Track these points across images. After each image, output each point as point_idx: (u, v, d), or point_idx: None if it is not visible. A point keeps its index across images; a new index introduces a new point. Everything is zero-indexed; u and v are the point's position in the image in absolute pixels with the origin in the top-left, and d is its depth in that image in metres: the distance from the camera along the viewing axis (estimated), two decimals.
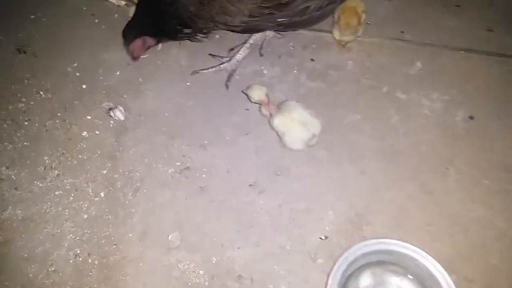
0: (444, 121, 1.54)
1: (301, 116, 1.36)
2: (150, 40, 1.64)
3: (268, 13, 1.36)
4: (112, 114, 1.54)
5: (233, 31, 1.51)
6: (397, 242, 1.11)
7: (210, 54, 1.74)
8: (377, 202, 1.33)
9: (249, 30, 1.51)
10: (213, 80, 1.68)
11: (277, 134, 1.44)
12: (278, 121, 1.38)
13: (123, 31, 1.58)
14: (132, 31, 1.60)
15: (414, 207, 1.32)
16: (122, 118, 1.54)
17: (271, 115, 1.43)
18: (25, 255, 1.29)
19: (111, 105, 1.58)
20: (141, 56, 1.69)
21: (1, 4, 1.91)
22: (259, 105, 1.48)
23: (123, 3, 1.81)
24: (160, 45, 1.69)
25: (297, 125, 1.35)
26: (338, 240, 1.26)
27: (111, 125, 1.55)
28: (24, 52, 1.78)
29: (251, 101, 1.46)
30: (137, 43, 1.62)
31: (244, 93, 1.47)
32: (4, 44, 1.79)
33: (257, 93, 1.42)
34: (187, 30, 1.56)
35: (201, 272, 1.26)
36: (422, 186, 1.37)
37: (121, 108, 1.56)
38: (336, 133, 1.52)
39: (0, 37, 1.82)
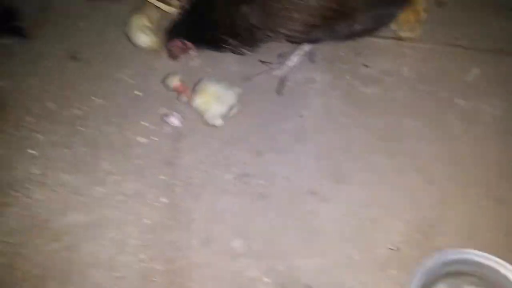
0: (507, 128, 1.53)
1: (215, 90, 1.50)
2: (189, 45, 1.67)
3: (332, 23, 1.38)
4: (168, 120, 1.58)
5: (290, 41, 1.53)
6: (478, 252, 1.10)
7: (260, 61, 1.76)
8: (447, 212, 1.33)
9: (309, 40, 1.53)
10: (264, 86, 1.70)
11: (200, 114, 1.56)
12: (198, 102, 1.50)
13: (167, 27, 1.65)
14: (173, 31, 1.65)
15: (486, 217, 1.32)
16: (178, 124, 1.57)
17: (189, 99, 1.53)
18: (90, 260, 1.31)
19: (167, 111, 1.61)
20: (179, 57, 1.74)
21: (52, 12, 1.98)
22: (178, 93, 1.58)
23: (174, 9, 1.85)
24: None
25: (213, 101, 1.48)
26: (410, 251, 1.26)
27: (167, 132, 1.58)
28: (76, 59, 1.83)
29: (169, 90, 1.57)
30: (175, 44, 1.66)
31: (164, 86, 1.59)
32: (56, 52, 1.85)
33: (170, 80, 1.49)
34: (233, 42, 1.57)
35: (267, 280, 1.27)
36: (493, 195, 1.36)
37: (177, 114, 1.59)
38: (396, 140, 1.53)
39: (52, 45, 1.87)
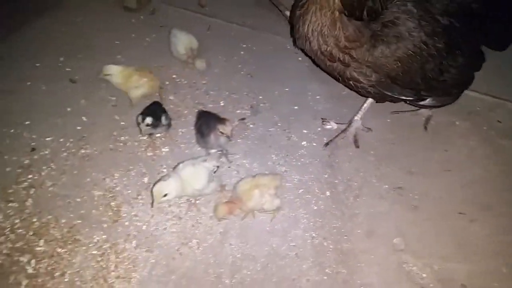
0: None
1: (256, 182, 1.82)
2: None
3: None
4: (326, 125, 2.10)
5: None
6: None
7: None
8: None
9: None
10: (409, 121, 2.25)
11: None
12: (250, 205, 1.79)
13: None
14: None
15: None
16: (335, 126, 2.11)
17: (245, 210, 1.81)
18: (267, 228, 1.76)
19: (324, 119, 2.14)
20: None
21: (219, 35, 2.64)
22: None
23: None
24: None
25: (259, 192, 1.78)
26: None
27: (324, 140, 2.09)
28: (241, 72, 2.42)
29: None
30: None
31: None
32: (226, 65, 2.45)
33: (219, 212, 1.75)
34: None
35: (424, 275, 1.68)
36: None
37: (333, 123, 2.12)
38: None
39: (224, 59, 2.48)
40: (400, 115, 2.34)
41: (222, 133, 1.92)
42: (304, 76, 2.53)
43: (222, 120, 1.95)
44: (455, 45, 1.81)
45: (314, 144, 2.17)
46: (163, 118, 1.98)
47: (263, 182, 1.80)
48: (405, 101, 2.03)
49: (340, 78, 1.90)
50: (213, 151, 2.05)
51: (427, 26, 1.71)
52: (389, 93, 1.88)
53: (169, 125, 2.05)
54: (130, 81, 2.15)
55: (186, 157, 1.99)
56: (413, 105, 2.14)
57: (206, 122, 1.97)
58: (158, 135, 2.10)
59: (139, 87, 2.16)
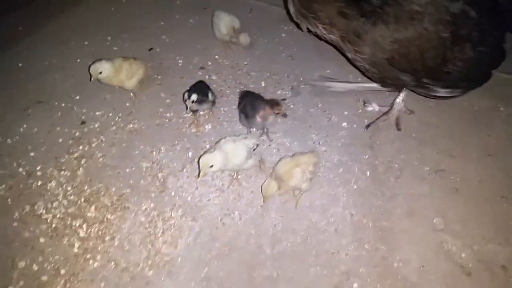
0: None
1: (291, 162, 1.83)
2: None
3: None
4: (370, 107, 2.12)
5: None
6: None
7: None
8: None
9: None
10: (451, 106, 2.22)
11: None
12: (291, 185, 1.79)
13: None
14: None
15: None
16: (376, 109, 2.12)
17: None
18: (306, 204, 1.81)
19: (366, 100, 2.17)
20: None
21: (261, 17, 2.68)
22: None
23: None
24: None
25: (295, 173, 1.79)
26: None
27: (365, 122, 2.11)
28: (282, 54, 2.47)
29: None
30: None
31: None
32: (268, 47, 2.51)
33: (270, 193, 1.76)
34: None
35: (463, 255, 1.69)
36: None
37: (375, 105, 2.14)
38: None
39: (265, 41, 2.53)
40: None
41: (278, 113, 1.97)
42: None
43: (272, 101, 2.00)
44: (465, 36, 1.72)
45: (355, 125, 2.20)
46: (209, 94, 2.06)
47: (303, 161, 1.84)
48: (406, 87, 2.03)
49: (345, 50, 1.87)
50: (254, 129, 2.11)
51: (433, 13, 1.64)
52: (387, 75, 1.85)
53: (214, 102, 2.12)
54: (122, 72, 2.13)
55: (228, 134, 2.06)
56: (417, 93, 2.12)
57: (251, 103, 2.02)
58: (202, 112, 2.18)
59: (134, 75, 2.16)
